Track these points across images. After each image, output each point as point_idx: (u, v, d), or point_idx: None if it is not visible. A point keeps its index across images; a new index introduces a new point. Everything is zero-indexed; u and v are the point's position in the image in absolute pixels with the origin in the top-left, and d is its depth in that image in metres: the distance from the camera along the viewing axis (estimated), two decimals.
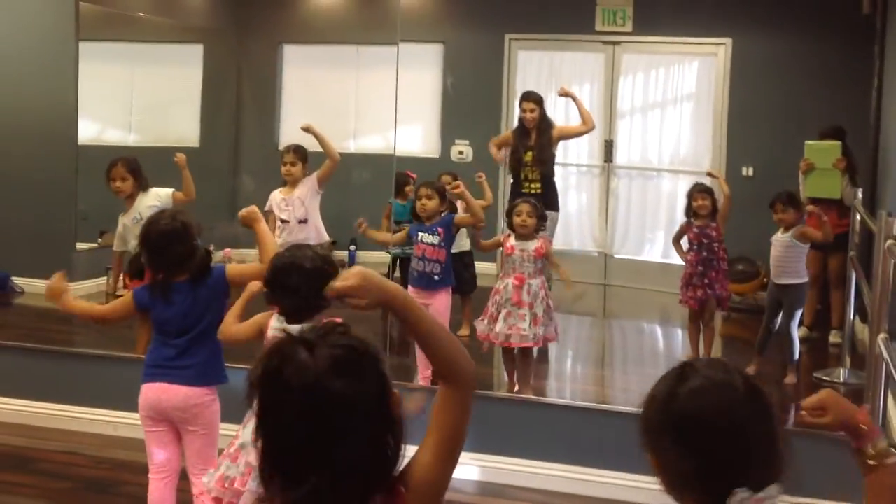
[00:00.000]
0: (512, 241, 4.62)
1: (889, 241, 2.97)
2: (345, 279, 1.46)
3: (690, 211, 5.14)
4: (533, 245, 4.58)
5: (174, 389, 3.14)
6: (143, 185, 5.01)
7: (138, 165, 5.03)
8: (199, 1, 7.68)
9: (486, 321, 4.65)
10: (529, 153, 5.90)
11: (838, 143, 5.46)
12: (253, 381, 1.42)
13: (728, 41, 6.72)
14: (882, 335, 3.01)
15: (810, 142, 5.53)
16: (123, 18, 6.99)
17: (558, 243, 6.21)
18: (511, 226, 4.65)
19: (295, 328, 2.85)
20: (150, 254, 3.15)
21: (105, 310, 3.50)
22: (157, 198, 4.98)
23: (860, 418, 1.60)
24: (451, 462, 1.51)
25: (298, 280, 2.88)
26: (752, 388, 1.45)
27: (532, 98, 5.94)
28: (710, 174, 5.63)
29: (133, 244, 4.65)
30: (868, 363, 3.27)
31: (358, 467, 1.40)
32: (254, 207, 3.34)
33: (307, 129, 5.11)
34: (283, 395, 1.38)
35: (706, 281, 5.09)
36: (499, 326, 4.55)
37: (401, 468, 1.47)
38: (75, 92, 6.10)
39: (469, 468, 4.25)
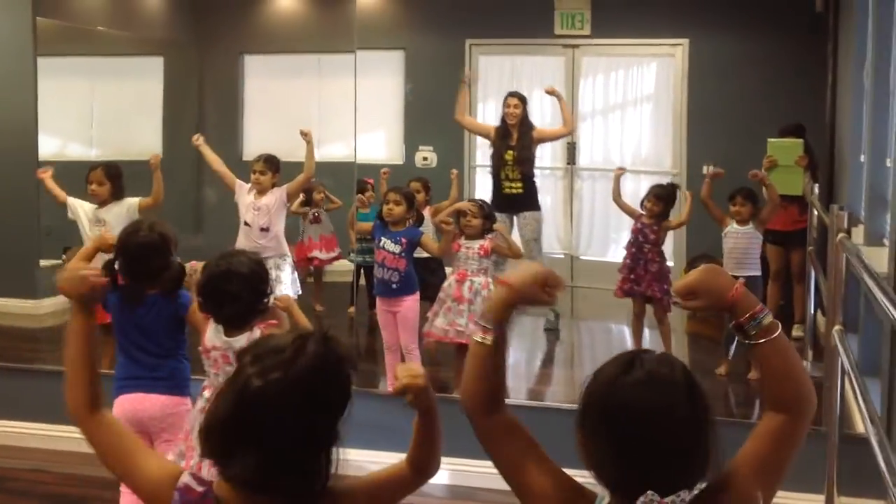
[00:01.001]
0: (461, 239, 4.71)
1: (840, 235, 3.03)
2: (416, 376, 1.66)
3: (641, 204, 5.28)
4: (478, 243, 4.66)
5: (151, 399, 3.15)
6: (117, 195, 4.95)
7: (119, 174, 5.00)
8: (159, 13, 7.65)
9: (430, 317, 4.71)
10: (511, 153, 5.95)
11: (800, 140, 5.55)
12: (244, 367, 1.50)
13: (685, 42, 6.80)
14: (837, 327, 3.07)
15: (773, 139, 5.61)
16: (82, 32, 6.95)
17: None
18: (458, 225, 4.73)
19: (240, 340, 2.89)
20: (127, 264, 3.15)
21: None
22: (126, 207, 4.91)
23: (734, 296, 1.54)
24: None
25: (238, 286, 2.89)
26: (692, 392, 1.45)
27: (517, 95, 6.01)
28: (686, 195, 5.65)
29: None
30: (825, 355, 3.34)
31: (306, 471, 1.50)
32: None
33: (306, 135, 5.13)
34: (281, 382, 1.47)
35: (632, 276, 5.22)
36: (438, 321, 4.64)
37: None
38: (35, 107, 6.05)
39: (439, 472, 4.27)
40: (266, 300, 3.01)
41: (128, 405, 3.17)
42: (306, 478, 1.51)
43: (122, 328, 3.20)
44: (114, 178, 4.95)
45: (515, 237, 6.06)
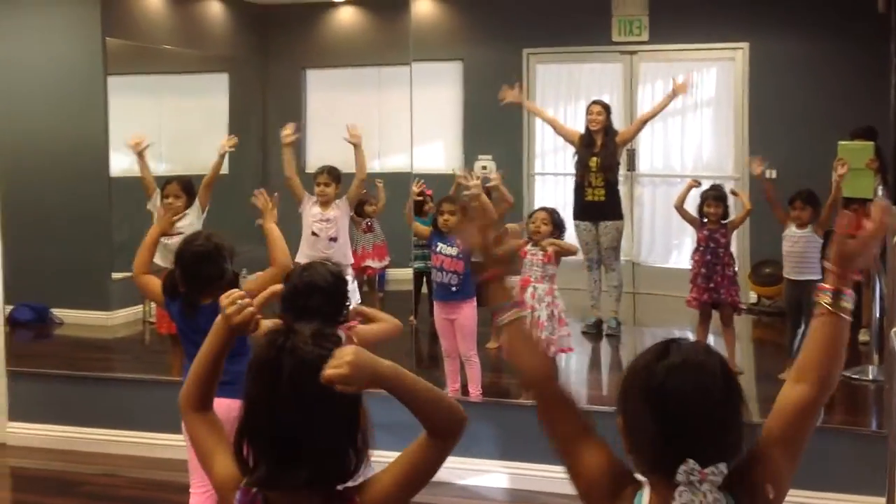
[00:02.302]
0: (527, 246, 4.74)
1: None
2: (337, 366, 1.55)
3: (701, 213, 5.24)
4: (542, 250, 4.69)
5: (216, 402, 3.24)
6: (191, 206, 5.16)
7: (192, 186, 5.21)
8: (223, 31, 7.83)
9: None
10: (595, 159, 5.99)
11: (871, 143, 5.49)
12: (250, 365, 1.62)
13: (745, 45, 6.74)
14: (895, 329, 3.04)
15: (843, 142, 5.56)
16: (149, 51, 7.16)
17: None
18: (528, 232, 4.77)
19: None
20: (182, 272, 3.27)
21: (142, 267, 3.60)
22: (199, 217, 5.12)
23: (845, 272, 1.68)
24: (410, 496, 1.66)
25: (319, 301, 2.95)
26: (725, 374, 1.56)
27: (600, 103, 6.06)
28: (733, 192, 5.66)
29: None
30: (885, 357, 3.30)
31: (319, 463, 1.56)
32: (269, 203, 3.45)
33: (355, 140, 5.22)
34: (274, 380, 1.56)
35: (711, 285, 5.18)
36: None
37: (361, 479, 1.62)
38: (106, 125, 6.26)
39: (498, 476, 4.32)
40: (346, 313, 3.09)
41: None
42: (320, 471, 1.57)
43: (185, 336, 3.30)
44: (189, 191, 5.15)
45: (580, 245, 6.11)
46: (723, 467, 1.49)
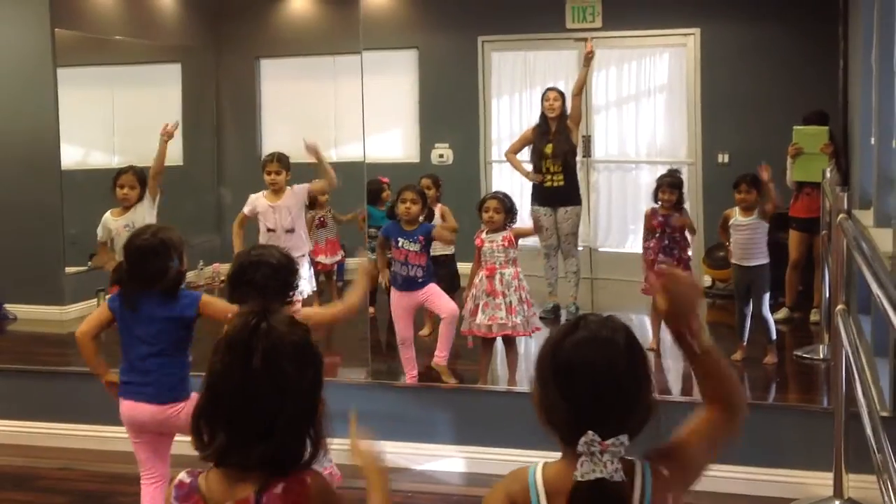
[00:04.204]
0: (483, 234, 4.75)
1: (841, 216, 3.06)
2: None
3: (656, 198, 5.30)
4: (500, 235, 4.71)
5: (140, 407, 3.25)
6: (142, 198, 5.02)
7: (146, 176, 5.06)
8: (175, 21, 7.76)
9: (466, 316, 4.75)
10: (550, 145, 6.00)
11: (826, 128, 5.59)
12: (220, 345, 1.62)
13: (696, 31, 6.81)
14: (839, 307, 3.10)
15: (798, 127, 5.64)
16: (100, 42, 7.08)
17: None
18: (482, 221, 4.78)
19: None
20: (128, 265, 3.27)
21: (85, 328, 3.36)
22: (146, 211, 4.96)
23: (693, 327, 1.64)
24: None
25: (265, 277, 2.98)
26: (631, 349, 1.60)
27: (555, 89, 6.10)
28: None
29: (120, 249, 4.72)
30: (831, 336, 3.36)
31: (274, 444, 1.59)
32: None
33: (313, 151, 5.12)
34: (248, 357, 1.58)
35: None
36: (479, 318, 4.67)
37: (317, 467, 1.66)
38: (56, 117, 6.18)
39: (455, 460, 4.34)
40: (293, 293, 3.11)
41: (125, 410, 3.30)
42: (276, 451, 1.60)
43: (122, 329, 3.30)
44: (143, 182, 5.01)
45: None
46: (624, 438, 1.53)
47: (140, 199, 5.00)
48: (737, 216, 5.06)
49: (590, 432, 1.52)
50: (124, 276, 3.29)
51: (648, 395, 1.60)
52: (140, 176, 5.03)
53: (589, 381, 1.57)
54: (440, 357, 4.73)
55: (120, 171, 5.07)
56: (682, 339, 1.64)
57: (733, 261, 5.13)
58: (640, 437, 1.59)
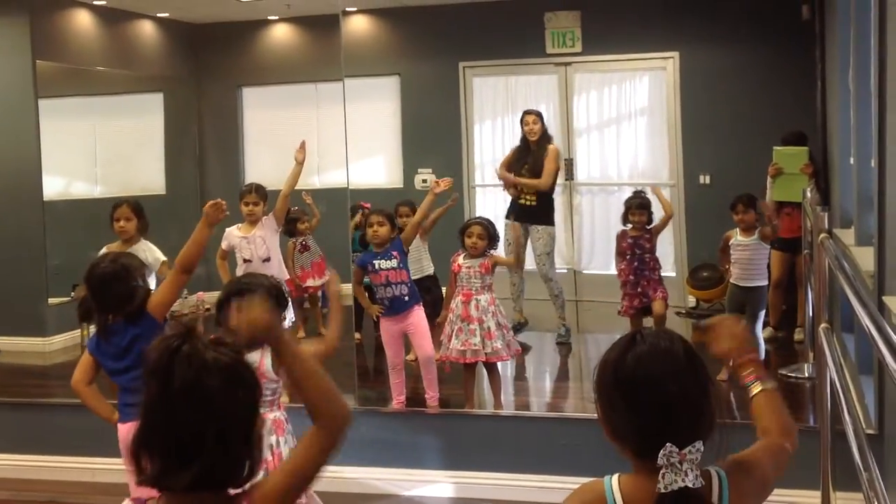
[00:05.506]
0: (460, 259, 4.76)
1: (822, 235, 3.09)
2: (248, 311, 1.63)
3: (627, 220, 5.40)
4: (479, 261, 4.72)
5: (128, 427, 3.23)
6: (143, 228, 4.90)
7: (142, 208, 4.94)
8: (157, 51, 7.78)
9: (444, 341, 4.76)
10: (525, 166, 6.09)
11: (805, 148, 5.65)
12: (144, 371, 1.60)
13: (675, 55, 6.88)
14: (823, 325, 3.12)
15: (778, 147, 5.69)
16: (82, 73, 7.09)
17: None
18: (463, 245, 4.78)
19: (254, 356, 2.98)
20: (92, 295, 3.28)
21: (77, 376, 3.41)
22: (147, 251, 4.75)
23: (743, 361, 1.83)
24: (297, 494, 1.69)
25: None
26: (690, 357, 1.64)
27: (534, 112, 6.16)
28: (654, 191, 5.81)
29: None
30: (815, 354, 3.38)
31: (208, 466, 1.57)
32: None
33: (301, 158, 5.22)
34: (168, 381, 1.57)
35: (639, 289, 5.34)
36: (452, 343, 4.68)
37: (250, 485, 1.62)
38: (38, 148, 6.18)
39: (443, 486, 4.33)
40: (283, 321, 3.11)
41: (125, 433, 3.29)
42: (209, 473, 1.58)
43: (104, 364, 3.30)
44: (139, 213, 4.89)
45: (530, 249, 6.20)
46: (699, 445, 1.58)
47: (138, 230, 4.87)
48: (737, 236, 5.12)
49: (668, 444, 1.55)
50: (92, 307, 3.28)
51: (712, 400, 1.64)
52: (135, 207, 4.94)
53: (656, 393, 1.60)
54: (431, 398, 4.74)
55: (116, 204, 4.94)
56: (739, 378, 1.78)
57: (732, 280, 5.17)
58: (710, 444, 1.63)
